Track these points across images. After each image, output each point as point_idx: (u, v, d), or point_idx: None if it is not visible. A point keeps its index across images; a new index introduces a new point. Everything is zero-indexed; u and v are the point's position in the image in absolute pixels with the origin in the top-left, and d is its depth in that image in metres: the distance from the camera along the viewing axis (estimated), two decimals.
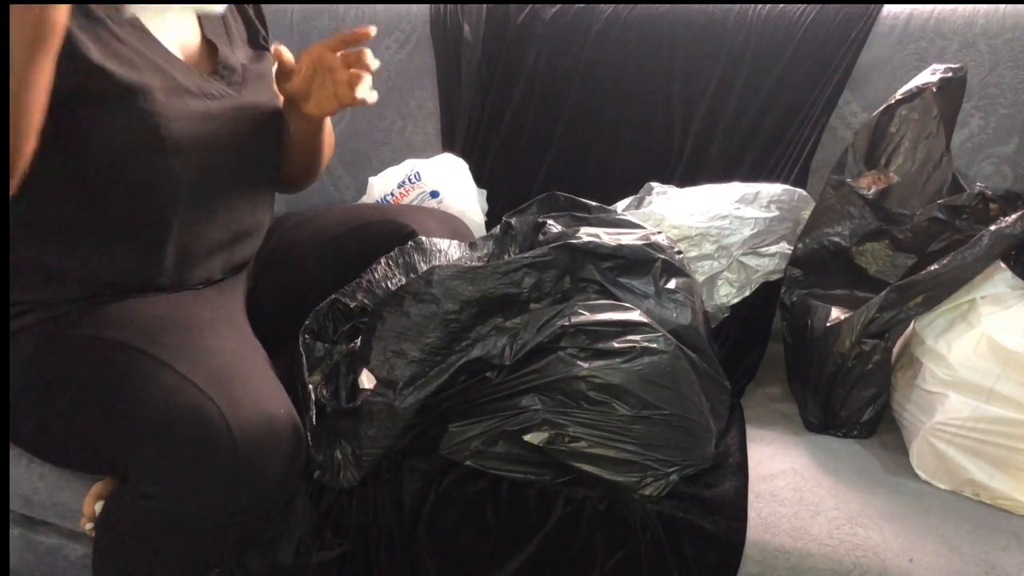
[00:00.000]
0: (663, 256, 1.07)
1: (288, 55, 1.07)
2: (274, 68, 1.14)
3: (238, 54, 1.11)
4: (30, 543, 1.21)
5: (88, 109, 0.92)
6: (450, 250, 1.15)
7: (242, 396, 0.90)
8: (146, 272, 1.03)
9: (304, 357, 1.06)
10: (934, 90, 1.12)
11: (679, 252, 1.13)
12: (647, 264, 1.07)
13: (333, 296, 1.12)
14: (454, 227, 1.27)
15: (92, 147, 0.94)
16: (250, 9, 1.17)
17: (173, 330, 0.98)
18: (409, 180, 1.47)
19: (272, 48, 1.10)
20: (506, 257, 1.07)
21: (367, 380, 1.01)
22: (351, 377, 1.04)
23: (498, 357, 0.97)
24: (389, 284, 1.11)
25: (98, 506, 1.01)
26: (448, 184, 1.47)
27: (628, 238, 1.09)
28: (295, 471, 0.94)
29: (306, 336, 1.08)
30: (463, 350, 0.99)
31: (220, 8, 1.06)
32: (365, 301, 1.12)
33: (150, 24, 1.01)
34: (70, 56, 0.88)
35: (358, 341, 1.07)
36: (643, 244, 1.07)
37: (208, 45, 1.08)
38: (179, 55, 1.03)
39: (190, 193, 1.01)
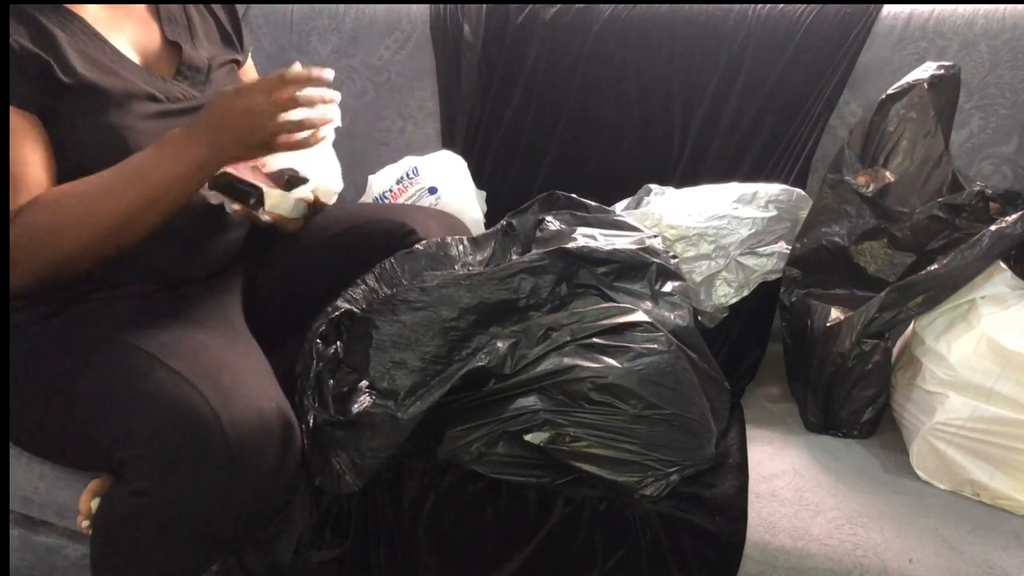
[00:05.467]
0: (657, 260, 1.08)
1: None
2: (247, 64, 1.18)
3: (203, 52, 1.13)
4: (30, 543, 1.21)
5: (52, 123, 0.96)
6: (451, 249, 1.15)
7: (233, 391, 0.90)
8: (137, 265, 1.04)
9: (315, 361, 1.06)
10: (926, 87, 1.13)
11: (674, 256, 1.13)
12: (642, 269, 1.07)
13: (346, 306, 1.11)
14: (452, 226, 1.27)
15: (66, 156, 0.97)
16: (218, 8, 1.19)
17: (165, 326, 0.98)
18: (407, 176, 1.47)
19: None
20: (508, 259, 1.07)
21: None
22: (340, 386, 1.03)
23: (499, 367, 0.97)
24: (395, 289, 1.10)
25: (94, 503, 1.01)
26: (446, 180, 1.47)
27: (623, 241, 1.09)
28: (288, 466, 0.94)
29: (318, 341, 1.08)
30: (463, 359, 0.99)
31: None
32: (364, 305, 1.11)
33: (107, 31, 1.03)
34: (40, 74, 0.93)
35: (338, 346, 1.06)
36: (638, 248, 1.08)
37: (170, 46, 1.10)
38: (137, 58, 1.05)
39: None
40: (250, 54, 1.28)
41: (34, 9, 0.97)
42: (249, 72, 1.27)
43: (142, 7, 1.10)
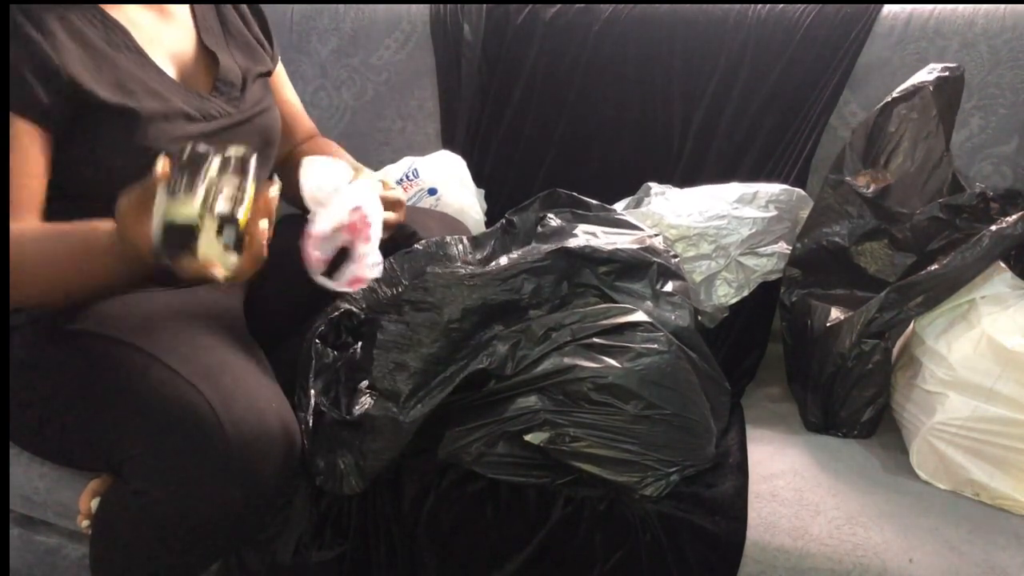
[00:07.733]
0: (659, 260, 1.08)
1: None
2: (277, 68, 1.16)
3: (237, 57, 1.11)
4: (30, 543, 1.21)
5: (85, 139, 0.95)
6: (451, 248, 1.15)
7: (234, 391, 0.90)
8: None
9: (313, 361, 1.06)
10: (931, 89, 1.12)
11: (675, 256, 1.13)
12: (644, 268, 1.07)
13: (345, 306, 1.11)
14: (454, 228, 1.27)
15: (91, 172, 0.96)
16: (247, 12, 1.18)
17: (166, 326, 0.98)
18: (407, 177, 1.47)
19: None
20: (504, 259, 1.07)
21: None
22: (350, 385, 1.04)
23: (500, 368, 0.97)
24: (395, 290, 1.10)
25: (94, 503, 1.01)
26: (446, 181, 1.46)
27: (624, 240, 1.09)
28: (288, 466, 0.94)
29: (317, 341, 1.08)
30: (464, 358, 0.99)
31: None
32: (364, 305, 1.12)
33: (148, 41, 1.01)
34: (71, 88, 0.92)
35: (357, 348, 1.07)
36: (639, 248, 1.08)
37: (206, 54, 1.08)
38: (174, 72, 1.04)
39: None
40: (279, 59, 1.25)
41: (83, 23, 0.95)
42: (279, 80, 1.25)
43: (185, 13, 1.08)
